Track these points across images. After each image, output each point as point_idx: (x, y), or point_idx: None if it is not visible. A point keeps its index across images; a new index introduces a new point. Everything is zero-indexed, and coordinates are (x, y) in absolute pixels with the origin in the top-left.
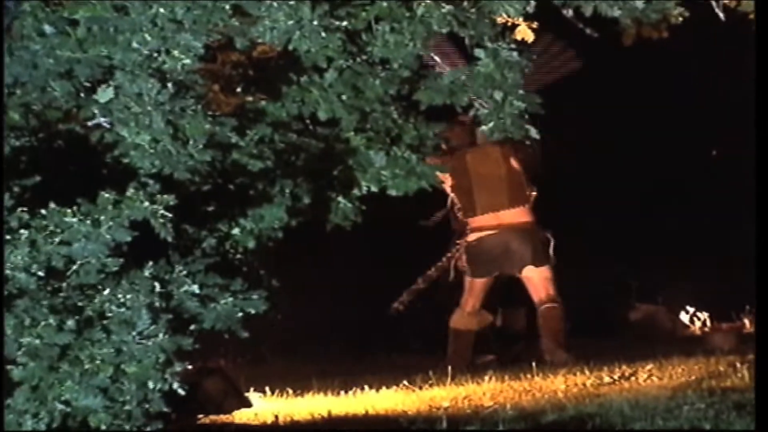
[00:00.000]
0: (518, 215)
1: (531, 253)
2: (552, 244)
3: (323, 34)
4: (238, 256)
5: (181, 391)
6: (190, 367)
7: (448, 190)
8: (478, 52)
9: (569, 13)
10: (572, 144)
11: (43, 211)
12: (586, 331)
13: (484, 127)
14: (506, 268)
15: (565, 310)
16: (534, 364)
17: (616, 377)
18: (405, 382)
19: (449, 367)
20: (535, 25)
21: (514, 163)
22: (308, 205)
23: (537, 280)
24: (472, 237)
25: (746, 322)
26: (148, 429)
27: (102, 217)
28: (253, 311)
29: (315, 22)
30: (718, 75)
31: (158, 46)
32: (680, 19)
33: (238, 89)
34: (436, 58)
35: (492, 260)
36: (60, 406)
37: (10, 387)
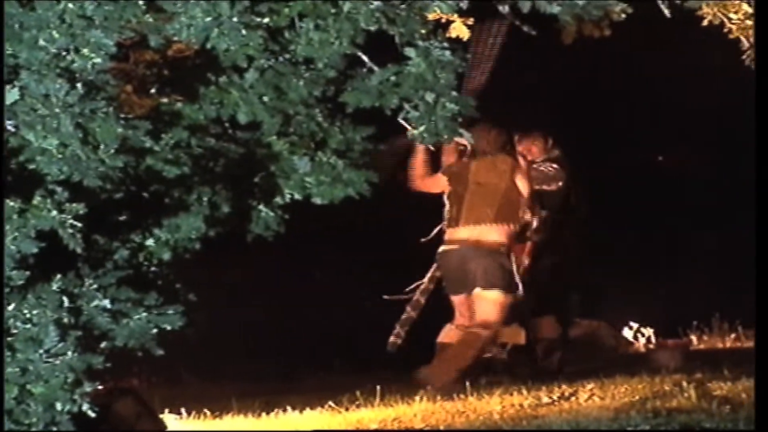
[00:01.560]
0: (491, 233)
1: (481, 274)
2: (518, 270)
3: (243, 32)
4: (153, 268)
5: (91, 413)
6: (100, 387)
7: (445, 198)
8: (409, 51)
9: (506, 9)
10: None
11: None
12: (523, 348)
13: (415, 131)
14: (461, 287)
15: (490, 339)
16: (468, 383)
17: (555, 397)
18: (331, 403)
19: (426, 384)
20: (470, 21)
21: (520, 180)
22: (227, 213)
23: (480, 302)
24: (440, 248)
25: (693, 338)
26: None
27: (6, 227)
28: (168, 327)
29: (234, 19)
30: (663, 75)
31: (67, 44)
32: (623, 15)
33: (153, 90)
34: None
35: (454, 278)
36: None
37: None
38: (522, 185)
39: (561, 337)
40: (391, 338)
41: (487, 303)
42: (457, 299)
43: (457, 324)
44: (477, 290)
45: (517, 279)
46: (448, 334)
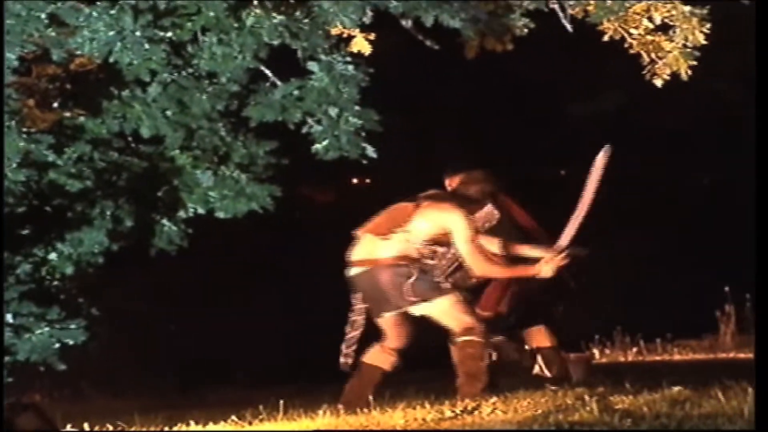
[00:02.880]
0: (381, 249)
1: (405, 293)
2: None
3: (146, 46)
4: (55, 282)
5: None
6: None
7: None
8: (312, 66)
9: (408, 23)
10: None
11: None
12: (427, 362)
13: (317, 145)
14: (381, 309)
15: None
16: (371, 397)
17: (458, 411)
18: (234, 417)
19: (341, 405)
20: (372, 36)
21: (420, 220)
22: (131, 228)
23: (436, 316)
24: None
25: (595, 352)
26: None
27: None
28: (71, 342)
29: (137, 33)
30: (566, 88)
31: None
32: (525, 30)
33: (55, 104)
34: None
35: (371, 301)
36: None
37: None
38: (418, 227)
39: (557, 345)
40: (342, 359)
41: (440, 315)
42: (381, 322)
43: (382, 345)
44: (415, 309)
45: (438, 278)
46: (373, 355)
